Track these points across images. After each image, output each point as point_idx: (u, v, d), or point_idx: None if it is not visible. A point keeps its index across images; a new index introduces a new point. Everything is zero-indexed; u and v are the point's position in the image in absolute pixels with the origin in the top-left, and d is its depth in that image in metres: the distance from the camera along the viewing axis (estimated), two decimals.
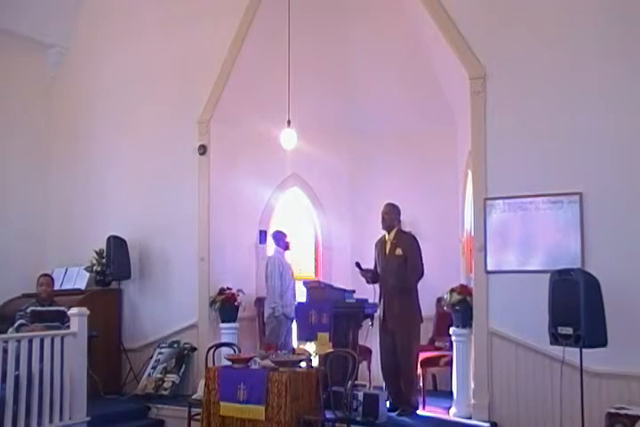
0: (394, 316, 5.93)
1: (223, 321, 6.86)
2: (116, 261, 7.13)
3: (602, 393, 4.94)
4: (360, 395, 5.53)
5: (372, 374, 6.86)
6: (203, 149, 7.05)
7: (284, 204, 8.00)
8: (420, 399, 6.08)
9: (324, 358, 5.29)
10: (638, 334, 4.86)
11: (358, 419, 5.43)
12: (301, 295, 6.90)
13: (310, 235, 8.19)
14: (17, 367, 4.90)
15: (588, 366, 4.74)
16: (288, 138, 6.48)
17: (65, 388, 5.24)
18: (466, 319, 5.72)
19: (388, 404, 5.76)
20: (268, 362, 5.13)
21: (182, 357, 6.86)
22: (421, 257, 5.97)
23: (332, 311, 5.93)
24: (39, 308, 5.75)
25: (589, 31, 5.25)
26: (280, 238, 7.33)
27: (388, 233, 6.13)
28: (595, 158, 5.17)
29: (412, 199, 7.26)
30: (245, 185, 7.34)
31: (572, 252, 5.17)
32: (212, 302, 6.86)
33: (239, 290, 6.92)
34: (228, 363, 5.32)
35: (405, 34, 6.84)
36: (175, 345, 6.98)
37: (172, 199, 7.24)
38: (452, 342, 6.02)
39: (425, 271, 5.98)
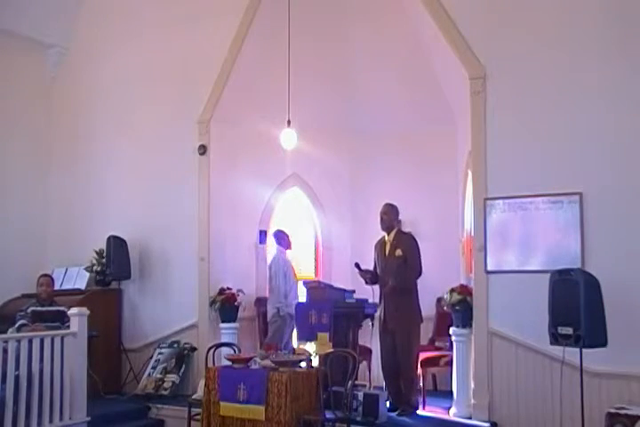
0: (394, 316, 5.93)
1: (223, 321, 6.86)
2: (115, 261, 7.13)
3: (602, 393, 4.94)
4: (360, 395, 5.53)
5: (372, 374, 6.86)
6: (203, 149, 7.05)
7: (284, 204, 8.00)
8: (420, 399, 6.08)
9: (324, 358, 5.29)
10: (638, 334, 4.86)
11: (358, 419, 5.43)
12: (301, 295, 6.91)
13: (310, 235, 8.19)
14: (17, 367, 4.90)
15: (588, 366, 4.74)
16: (288, 138, 6.48)
17: (65, 388, 5.25)
18: (466, 319, 5.72)
19: (387, 404, 5.76)
20: (267, 362, 5.13)
21: (182, 357, 6.86)
22: (420, 257, 5.98)
23: (332, 311, 5.93)
24: (39, 308, 5.75)
25: (589, 31, 5.25)
26: (282, 238, 7.34)
27: (388, 234, 6.13)
28: (595, 158, 5.17)
29: (411, 199, 7.27)
30: (245, 185, 7.34)
31: (571, 252, 5.17)
32: (212, 302, 6.86)
33: (239, 290, 6.92)
34: (228, 363, 5.32)
35: (405, 34, 6.84)
36: (175, 345, 6.98)
37: (172, 199, 7.24)
38: (451, 342, 6.02)
39: (423, 271, 5.98)
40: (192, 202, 7.09)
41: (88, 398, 5.50)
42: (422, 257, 6.00)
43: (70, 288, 7.27)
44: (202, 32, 7.09)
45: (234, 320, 6.87)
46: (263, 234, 7.62)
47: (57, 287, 6.64)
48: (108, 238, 7.21)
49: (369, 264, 6.28)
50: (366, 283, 6.18)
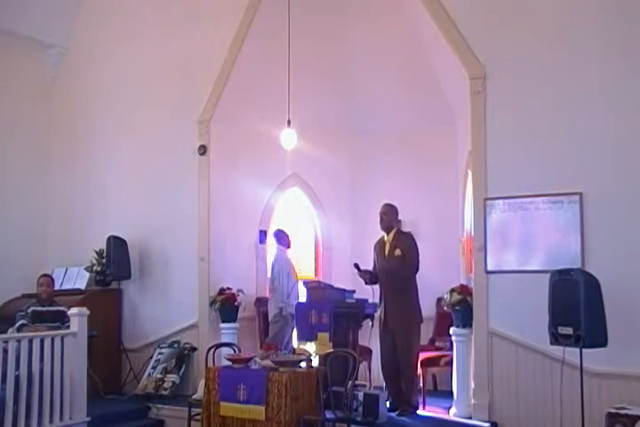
0: (394, 316, 5.93)
1: (223, 321, 6.86)
2: (115, 261, 7.13)
3: (602, 393, 4.94)
4: (360, 395, 5.53)
5: (372, 374, 6.86)
6: (203, 149, 7.05)
7: (284, 204, 8.00)
8: (420, 399, 6.08)
9: (324, 358, 5.29)
10: (638, 334, 4.85)
11: (358, 419, 5.43)
12: (301, 295, 6.91)
13: (310, 235, 8.19)
14: (17, 367, 4.90)
15: (588, 366, 4.74)
16: (288, 138, 6.49)
17: (65, 388, 5.25)
18: (466, 319, 5.72)
19: (387, 404, 5.76)
20: (268, 362, 5.13)
21: (182, 357, 6.86)
22: (418, 254, 5.97)
23: (332, 311, 5.93)
24: (39, 308, 5.75)
25: (589, 31, 5.24)
26: (282, 237, 7.35)
27: (387, 234, 6.13)
28: (595, 158, 5.17)
29: (411, 199, 7.27)
30: (245, 185, 7.34)
31: (572, 252, 5.17)
32: (212, 302, 6.86)
33: (239, 290, 6.92)
34: (228, 363, 5.32)
35: (405, 34, 6.84)
36: (175, 345, 6.98)
37: (172, 199, 7.24)
38: (452, 342, 6.02)
39: (420, 267, 5.98)
40: (192, 202, 7.09)
41: (88, 398, 5.50)
42: (423, 257, 6.00)
43: (70, 288, 7.27)
44: (202, 32, 7.09)
45: (234, 320, 6.87)
46: (263, 234, 7.62)
47: (57, 287, 6.64)
48: (108, 238, 7.21)
49: (369, 264, 6.28)
50: (366, 283, 6.18)
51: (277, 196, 7.81)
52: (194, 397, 5.74)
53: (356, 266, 6.16)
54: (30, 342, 5.04)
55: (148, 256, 7.37)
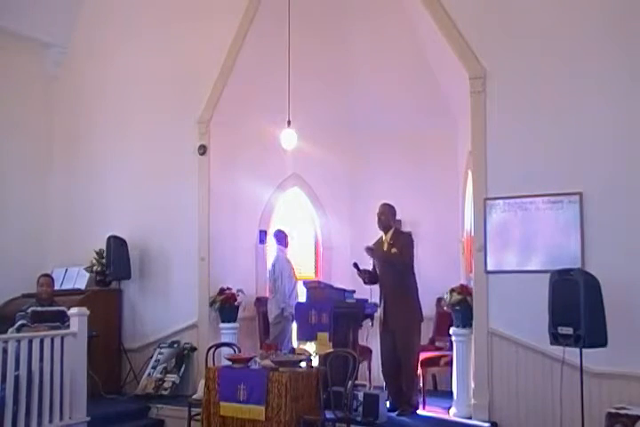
0: (394, 315, 5.93)
1: (223, 321, 6.86)
2: (115, 262, 7.13)
3: (602, 393, 4.94)
4: (360, 395, 5.54)
5: (372, 374, 6.86)
6: (203, 149, 7.05)
7: (284, 204, 8.01)
8: (420, 399, 6.08)
9: (324, 358, 5.29)
10: (638, 334, 4.85)
11: (358, 419, 5.44)
12: (301, 295, 6.91)
13: (310, 235, 8.19)
14: (17, 368, 4.89)
15: (588, 366, 4.74)
16: (288, 138, 6.49)
17: (65, 388, 5.24)
18: (466, 319, 5.72)
19: (387, 404, 5.76)
20: (268, 362, 5.13)
21: (182, 357, 6.86)
22: (412, 251, 5.99)
23: (332, 311, 5.93)
24: (39, 308, 5.74)
25: (589, 31, 5.24)
26: (282, 237, 7.36)
27: (385, 234, 6.14)
28: (595, 158, 5.17)
29: (412, 199, 7.28)
30: (245, 185, 7.34)
31: (571, 252, 5.17)
32: (212, 302, 6.86)
33: (239, 290, 6.92)
34: (228, 363, 5.32)
35: (405, 34, 6.84)
36: (175, 345, 6.98)
37: (172, 199, 7.23)
38: (452, 342, 6.02)
39: (420, 267, 6.04)
40: (192, 202, 7.08)
41: (88, 398, 5.50)
42: (423, 257, 6.06)
43: (70, 288, 7.26)
44: (202, 32, 7.09)
45: (234, 320, 6.87)
46: (263, 234, 7.63)
47: (57, 287, 6.64)
48: (108, 238, 7.20)
49: (368, 264, 6.28)
50: (365, 283, 6.18)
51: (277, 196, 7.81)
52: (194, 397, 5.74)
53: (355, 265, 6.16)
54: (30, 342, 5.03)
55: (148, 256, 7.37)
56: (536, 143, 5.41)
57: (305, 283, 6.63)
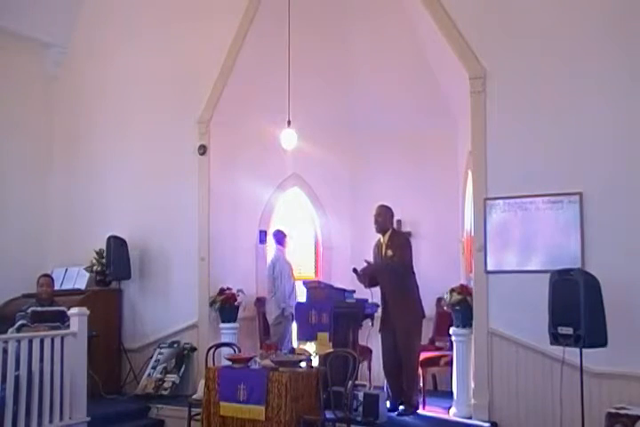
0: (395, 315, 5.93)
1: (223, 321, 6.86)
2: (115, 262, 7.13)
3: (602, 393, 4.94)
4: (360, 395, 5.54)
5: (373, 374, 6.85)
6: (203, 149, 7.05)
7: (284, 204, 8.00)
8: (420, 399, 6.08)
9: (324, 358, 5.29)
10: (638, 334, 4.85)
11: (358, 419, 5.43)
12: (301, 295, 6.91)
13: (310, 235, 8.19)
14: (17, 368, 4.89)
15: (588, 366, 4.74)
16: (288, 138, 6.49)
17: (65, 388, 5.24)
18: (466, 319, 5.72)
19: (388, 404, 5.76)
20: (268, 362, 5.13)
21: (182, 357, 6.86)
22: (409, 254, 5.99)
23: (332, 311, 5.93)
24: (39, 308, 5.74)
25: (589, 31, 5.24)
26: (282, 237, 7.36)
27: (383, 235, 6.14)
28: (595, 158, 5.17)
29: (412, 199, 7.28)
30: (245, 185, 7.34)
31: (571, 252, 5.17)
32: (212, 302, 6.86)
33: (239, 290, 6.92)
34: (228, 363, 5.32)
35: (405, 34, 6.84)
36: (175, 345, 6.98)
37: (172, 199, 7.23)
38: (452, 342, 6.02)
39: (420, 267, 6.03)
40: (192, 202, 7.08)
41: (88, 398, 5.50)
42: (423, 257, 6.09)
43: (70, 288, 7.26)
44: (202, 32, 7.09)
45: (234, 320, 6.87)
46: (263, 234, 7.63)
47: (57, 287, 6.64)
48: (108, 238, 7.20)
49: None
50: (366, 287, 6.17)
51: (277, 196, 7.81)
52: (194, 397, 5.74)
53: (355, 271, 6.15)
54: (30, 342, 5.03)
55: (148, 256, 7.37)
56: (536, 143, 5.41)
57: (305, 283, 6.62)
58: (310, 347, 5.87)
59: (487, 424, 5.37)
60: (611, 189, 5.09)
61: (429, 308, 6.81)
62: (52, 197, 8.08)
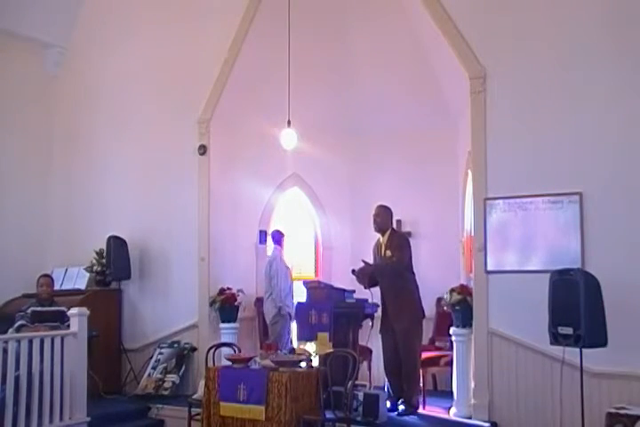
0: (395, 315, 5.93)
1: (223, 321, 6.86)
2: (115, 262, 7.13)
3: (602, 393, 4.94)
4: (360, 395, 5.53)
5: (372, 374, 6.85)
6: (203, 149, 7.05)
7: (284, 204, 8.00)
8: (421, 399, 6.08)
9: (324, 358, 5.29)
10: (638, 334, 4.85)
11: (358, 419, 5.43)
12: (301, 295, 6.90)
13: (310, 235, 8.19)
14: (17, 368, 4.89)
15: (588, 366, 4.74)
16: (288, 138, 6.49)
17: (65, 388, 5.25)
18: (466, 319, 5.72)
19: (388, 404, 5.76)
20: (268, 362, 5.13)
21: (182, 357, 6.86)
22: (409, 253, 5.98)
23: (332, 311, 5.92)
24: (39, 308, 5.74)
25: (589, 31, 5.24)
26: (279, 237, 7.35)
27: (382, 235, 6.13)
28: (595, 158, 5.17)
29: (412, 199, 7.28)
30: (245, 185, 7.34)
31: (572, 252, 5.17)
32: (212, 302, 6.86)
33: (239, 290, 6.92)
34: (228, 363, 5.32)
35: (405, 34, 6.83)
36: (175, 345, 6.98)
37: (171, 199, 7.24)
38: (452, 342, 6.02)
39: (420, 267, 6.04)
40: (192, 202, 7.08)
41: (88, 398, 5.49)
42: (423, 257, 6.09)
43: (70, 288, 7.27)
44: (201, 32, 7.09)
45: (234, 320, 6.87)
46: (263, 234, 7.63)
47: (57, 287, 6.65)
48: (108, 238, 7.21)
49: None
50: (365, 287, 6.16)
51: (277, 196, 7.81)
52: (194, 397, 5.74)
53: (354, 272, 6.14)
54: (30, 342, 5.03)
55: (148, 256, 7.37)
56: (536, 143, 5.41)
57: (305, 283, 6.61)
58: (310, 347, 5.87)
59: (487, 424, 5.37)
60: (611, 189, 5.09)
61: (429, 308, 6.81)
62: (51, 197, 8.09)
